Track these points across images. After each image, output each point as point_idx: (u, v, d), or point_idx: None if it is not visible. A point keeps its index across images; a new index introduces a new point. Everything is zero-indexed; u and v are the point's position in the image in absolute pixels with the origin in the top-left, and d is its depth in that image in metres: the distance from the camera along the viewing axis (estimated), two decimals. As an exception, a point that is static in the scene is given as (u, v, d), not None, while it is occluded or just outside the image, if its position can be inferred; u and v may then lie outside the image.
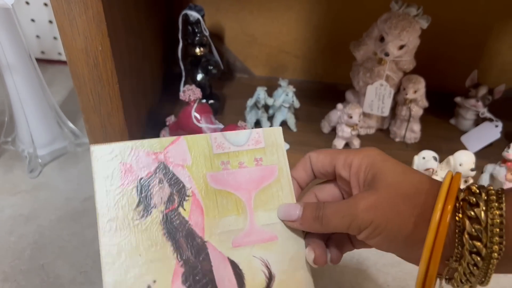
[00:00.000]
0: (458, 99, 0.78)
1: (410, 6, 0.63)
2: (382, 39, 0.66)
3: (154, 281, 0.34)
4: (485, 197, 0.29)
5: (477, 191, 0.30)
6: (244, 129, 0.61)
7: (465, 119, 0.79)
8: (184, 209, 0.36)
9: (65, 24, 0.46)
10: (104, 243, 0.33)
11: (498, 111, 0.76)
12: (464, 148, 0.76)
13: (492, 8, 0.78)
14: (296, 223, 0.36)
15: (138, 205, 0.35)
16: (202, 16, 0.69)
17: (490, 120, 0.75)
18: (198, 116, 0.66)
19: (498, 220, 0.28)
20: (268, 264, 0.37)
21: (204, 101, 0.76)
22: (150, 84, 0.76)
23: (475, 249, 0.29)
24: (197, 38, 0.70)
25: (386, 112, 0.72)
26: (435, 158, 0.62)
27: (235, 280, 0.35)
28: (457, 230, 0.29)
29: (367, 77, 0.70)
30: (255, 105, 0.74)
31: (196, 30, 0.70)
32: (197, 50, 0.72)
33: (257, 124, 0.77)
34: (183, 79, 0.75)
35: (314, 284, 0.38)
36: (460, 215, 0.29)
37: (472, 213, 0.29)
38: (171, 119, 0.71)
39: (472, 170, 0.59)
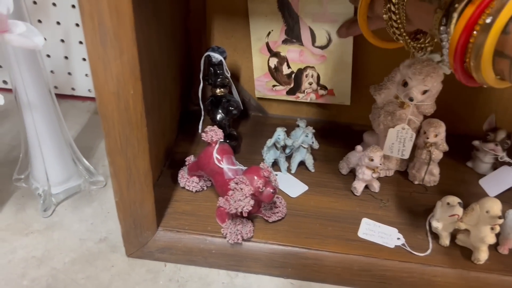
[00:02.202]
0: (476, 143, 0.78)
1: (433, 52, 0.64)
2: (405, 84, 0.66)
3: (272, 30, 0.79)
4: None
5: None
6: (268, 171, 0.60)
7: (483, 162, 0.78)
8: None
9: (98, 68, 0.46)
10: None
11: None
12: (483, 192, 0.76)
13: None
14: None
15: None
16: (225, 58, 0.69)
17: (509, 164, 0.75)
18: (219, 157, 0.65)
19: None
20: (330, 34, 0.77)
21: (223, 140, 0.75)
22: (169, 123, 0.76)
23: None
24: (219, 79, 0.70)
25: (407, 155, 0.72)
26: (460, 204, 0.61)
27: (311, 37, 0.78)
28: None
29: (388, 120, 0.70)
30: (274, 145, 0.73)
31: (218, 72, 0.70)
32: (218, 90, 0.72)
33: (275, 164, 0.76)
34: (202, 118, 0.74)
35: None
36: None
37: None
38: (190, 159, 0.70)
39: (500, 217, 0.58)
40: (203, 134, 0.65)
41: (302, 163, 0.77)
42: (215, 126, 0.66)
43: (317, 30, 0.79)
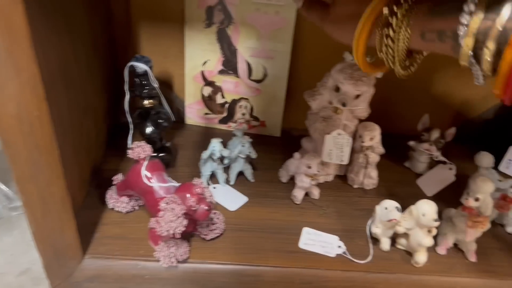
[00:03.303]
0: (411, 143, 0.79)
1: (363, 56, 0.63)
2: (337, 89, 0.65)
3: (209, 60, 0.77)
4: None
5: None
6: (201, 187, 0.57)
7: (420, 162, 0.79)
8: (229, 29, 0.75)
9: (-7, 89, 0.40)
10: None
11: (451, 153, 0.77)
12: (420, 192, 0.76)
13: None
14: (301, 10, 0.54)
15: (205, 20, 0.74)
16: (150, 67, 0.65)
17: (444, 163, 0.76)
18: (148, 174, 0.60)
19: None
20: (266, 69, 0.79)
21: (155, 155, 0.71)
22: (94, 139, 0.70)
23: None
24: (145, 91, 0.66)
25: (346, 161, 0.71)
26: (397, 209, 0.60)
27: (247, 70, 0.79)
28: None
29: (323, 126, 0.69)
30: (210, 157, 0.70)
31: (144, 82, 0.65)
32: (146, 102, 0.67)
33: (213, 176, 0.73)
34: (131, 132, 0.70)
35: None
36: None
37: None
38: (118, 178, 0.65)
39: (435, 220, 0.58)
40: (129, 151, 0.60)
41: (241, 174, 0.75)
42: (143, 141, 0.61)
43: (254, 64, 0.79)
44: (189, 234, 0.62)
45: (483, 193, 0.60)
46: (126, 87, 0.66)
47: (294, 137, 0.83)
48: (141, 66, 0.64)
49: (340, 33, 0.48)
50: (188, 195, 0.56)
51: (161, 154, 0.71)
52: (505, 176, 0.75)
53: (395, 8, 0.41)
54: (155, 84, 0.65)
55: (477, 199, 0.60)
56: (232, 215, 0.68)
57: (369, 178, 0.75)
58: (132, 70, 0.65)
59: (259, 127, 0.86)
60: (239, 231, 0.65)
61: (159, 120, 0.67)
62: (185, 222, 0.55)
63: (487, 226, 0.61)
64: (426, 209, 0.59)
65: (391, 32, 0.42)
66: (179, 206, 0.55)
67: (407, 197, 0.68)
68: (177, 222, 0.54)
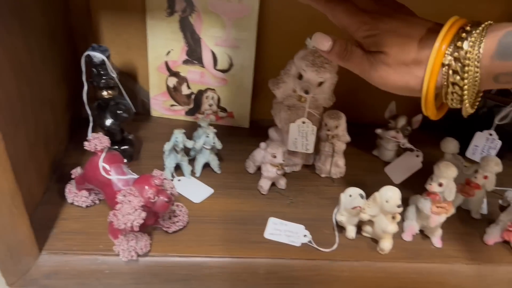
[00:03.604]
0: (378, 131, 0.78)
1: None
2: (300, 76, 0.64)
3: (172, 49, 0.76)
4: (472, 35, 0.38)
5: (468, 29, 0.38)
6: (160, 179, 0.55)
7: (387, 149, 0.79)
8: (192, 18, 0.74)
9: None
10: None
11: (419, 141, 0.77)
12: (388, 179, 0.76)
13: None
14: (324, 53, 0.47)
15: (166, 9, 0.73)
16: (108, 57, 0.63)
17: (411, 150, 0.76)
18: (107, 167, 0.59)
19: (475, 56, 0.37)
20: (232, 58, 0.77)
21: (116, 147, 0.69)
22: (53, 132, 0.68)
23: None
24: (103, 81, 0.64)
25: (311, 149, 0.70)
26: (361, 196, 0.60)
27: (212, 59, 0.77)
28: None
29: (288, 115, 0.68)
30: (174, 149, 0.69)
31: (102, 72, 0.63)
32: (105, 93, 0.65)
33: (178, 168, 0.72)
34: (91, 125, 0.68)
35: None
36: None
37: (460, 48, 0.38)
38: (77, 171, 0.63)
39: (398, 206, 0.57)
40: (86, 143, 0.58)
41: (208, 166, 0.73)
42: (100, 133, 0.59)
43: (219, 54, 0.77)
44: (150, 227, 0.61)
45: (446, 178, 0.59)
46: (83, 77, 0.64)
47: (263, 128, 0.81)
48: (98, 56, 0.62)
49: (402, 77, 0.42)
50: (146, 187, 0.54)
51: (123, 147, 0.69)
52: (472, 162, 0.75)
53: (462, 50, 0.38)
54: (114, 74, 0.64)
55: (440, 184, 0.60)
56: (196, 207, 0.66)
57: (336, 166, 0.74)
58: (89, 60, 0.63)
59: (227, 118, 0.84)
60: (203, 223, 0.64)
61: (118, 111, 0.66)
62: (143, 214, 0.53)
63: (451, 211, 0.61)
64: (390, 195, 0.58)
65: (457, 79, 0.38)
66: (136, 198, 0.53)
67: (375, 185, 0.68)
68: (135, 215, 0.53)
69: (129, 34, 0.77)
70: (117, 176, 0.59)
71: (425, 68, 0.40)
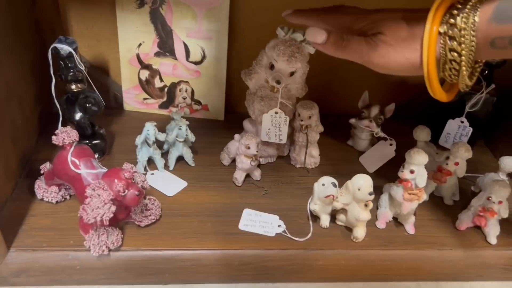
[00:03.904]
0: (352, 121, 0.79)
1: (296, 31, 0.62)
2: (272, 66, 0.64)
3: (143, 42, 0.76)
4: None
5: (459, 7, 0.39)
6: (130, 172, 0.55)
7: (361, 139, 0.79)
8: (163, 9, 0.72)
9: None
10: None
11: (394, 130, 0.78)
12: (363, 168, 0.77)
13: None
14: (319, 46, 0.46)
15: (136, 0, 0.71)
16: (75, 49, 0.61)
17: (385, 139, 0.76)
18: (76, 161, 0.58)
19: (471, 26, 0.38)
20: (204, 50, 0.76)
21: (87, 142, 0.68)
22: (21, 128, 0.67)
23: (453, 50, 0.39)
24: (70, 74, 0.62)
25: (284, 140, 0.70)
26: (334, 184, 0.60)
27: (185, 51, 0.76)
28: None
29: (261, 106, 0.68)
30: (146, 142, 0.68)
31: (70, 65, 0.62)
32: (73, 86, 0.64)
33: (152, 162, 0.71)
34: (61, 119, 0.66)
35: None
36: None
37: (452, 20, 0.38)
38: (46, 167, 0.62)
39: (370, 194, 0.58)
40: (54, 137, 0.57)
41: (182, 159, 0.73)
42: (68, 127, 0.58)
43: (191, 46, 0.77)
44: (122, 221, 0.60)
45: (417, 164, 0.60)
46: (51, 71, 0.63)
47: (238, 121, 0.81)
48: (65, 48, 0.61)
49: (401, 53, 0.42)
50: (116, 180, 0.53)
51: (94, 141, 0.68)
52: (445, 150, 0.76)
53: (458, 17, 0.39)
54: (82, 67, 0.62)
55: (412, 171, 0.60)
56: (170, 200, 0.66)
57: (311, 157, 0.74)
58: (57, 53, 0.62)
59: (202, 111, 0.84)
60: (176, 216, 0.63)
61: (87, 105, 0.64)
62: (113, 208, 0.52)
63: (422, 198, 0.62)
64: (361, 183, 0.59)
65: (455, 45, 0.39)
66: (105, 192, 0.52)
67: (350, 175, 0.68)
68: (104, 209, 0.52)
69: (99, 26, 0.76)
70: (86, 170, 0.58)
71: (422, 38, 0.40)
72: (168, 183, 0.68)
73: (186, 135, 0.68)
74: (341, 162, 0.78)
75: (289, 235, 0.62)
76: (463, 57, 0.39)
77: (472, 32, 0.38)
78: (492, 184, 0.62)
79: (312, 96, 0.71)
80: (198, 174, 0.71)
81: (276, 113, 0.67)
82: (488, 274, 0.64)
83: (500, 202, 0.62)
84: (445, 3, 0.40)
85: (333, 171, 0.75)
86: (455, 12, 0.39)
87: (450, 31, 0.39)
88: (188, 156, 0.72)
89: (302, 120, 0.69)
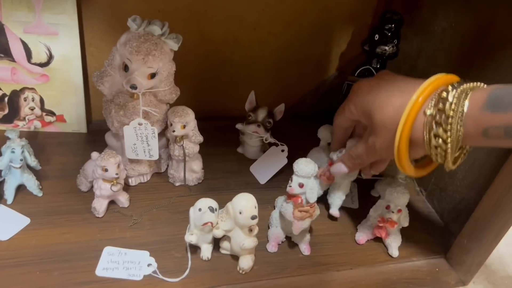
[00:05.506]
0: (239, 126, 0.69)
1: (152, 23, 0.50)
2: (126, 67, 0.51)
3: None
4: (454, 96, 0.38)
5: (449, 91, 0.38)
6: None
7: (251, 146, 0.70)
8: None
9: None
10: None
11: (283, 132, 0.69)
12: (255, 180, 0.67)
13: (260, 23, 0.71)
14: (347, 175, 0.55)
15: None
16: None
17: (276, 144, 0.67)
18: None
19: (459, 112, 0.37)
20: (50, 48, 0.61)
21: None
22: None
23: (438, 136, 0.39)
24: None
25: (156, 155, 0.58)
26: (211, 209, 0.49)
27: (24, 51, 0.61)
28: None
29: (121, 116, 0.55)
30: (-32, 171, 0.51)
31: None
32: None
33: (-19, 196, 0.55)
34: None
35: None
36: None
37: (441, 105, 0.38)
38: None
39: (253, 218, 0.48)
40: None
41: (24, 188, 0.57)
42: None
43: (32, 44, 0.62)
44: None
45: (305, 177, 0.51)
46: None
47: (106, 132, 0.67)
48: None
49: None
50: None
51: None
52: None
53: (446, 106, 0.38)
54: None
55: (300, 185, 0.51)
56: (3, 246, 0.50)
57: (192, 172, 0.63)
58: None
59: (57, 123, 0.68)
60: (10, 267, 0.48)
61: None
62: None
63: (315, 214, 0.54)
64: (243, 205, 0.49)
65: (440, 132, 0.38)
66: None
67: (240, 188, 0.59)
68: None
69: None
70: None
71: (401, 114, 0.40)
72: (3, 223, 0.53)
73: (21, 160, 0.53)
74: (229, 174, 0.67)
75: (160, 276, 0.50)
76: (449, 144, 0.39)
77: (460, 120, 0.37)
78: (390, 191, 0.55)
79: (191, 98, 0.60)
80: (46, 206, 0.56)
81: (140, 124, 0.54)
82: (392, 290, 0.57)
83: (399, 211, 0.55)
84: (435, 83, 0.40)
85: (220, 186, 0.65)
86: (444, 95, 0.38)
87: (437, 116, 0.38)
88: (32, 185, 0.56)
89: (174, 131, 0.57)
